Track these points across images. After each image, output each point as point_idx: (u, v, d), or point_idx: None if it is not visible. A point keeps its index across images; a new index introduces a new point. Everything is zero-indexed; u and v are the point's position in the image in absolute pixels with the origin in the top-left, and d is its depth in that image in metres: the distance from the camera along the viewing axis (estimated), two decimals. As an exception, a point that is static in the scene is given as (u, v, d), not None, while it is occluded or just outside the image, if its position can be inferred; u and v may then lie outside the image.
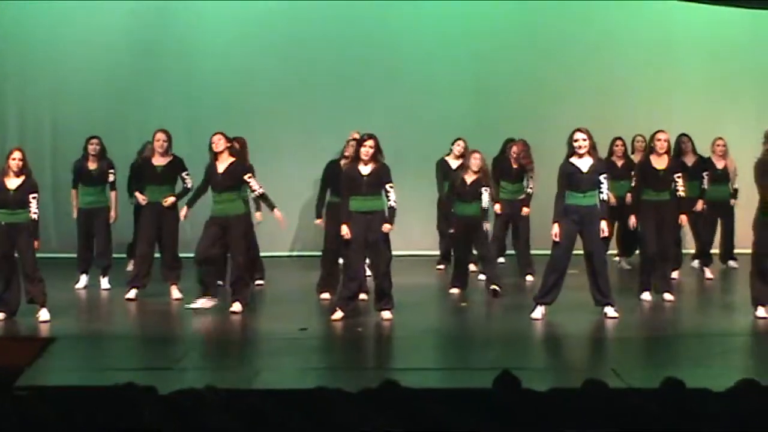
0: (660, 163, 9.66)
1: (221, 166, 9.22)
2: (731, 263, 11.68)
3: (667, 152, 9.73)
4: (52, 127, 13.02)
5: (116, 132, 12.31)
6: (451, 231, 10.38)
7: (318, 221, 10.17)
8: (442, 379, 7.03)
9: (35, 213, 8.80)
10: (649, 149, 9.81)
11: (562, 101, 12.99)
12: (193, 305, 9.16)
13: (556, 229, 8.78)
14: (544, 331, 8.67)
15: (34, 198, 8.79)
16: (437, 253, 12.08)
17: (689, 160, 10.93)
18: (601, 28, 13.27)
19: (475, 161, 10.02)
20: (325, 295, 9.85)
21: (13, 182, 8.78)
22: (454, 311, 9.66)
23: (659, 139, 9.68)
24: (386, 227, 8.81)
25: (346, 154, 9.84)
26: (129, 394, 4.86)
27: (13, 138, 12.87)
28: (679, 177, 9.67)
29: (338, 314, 8.88)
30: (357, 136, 9.91)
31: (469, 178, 10.03)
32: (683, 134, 11.05)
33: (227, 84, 13.03)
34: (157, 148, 10.01)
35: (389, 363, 7.86)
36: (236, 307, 9.13)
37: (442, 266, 11.73)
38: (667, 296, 9.65)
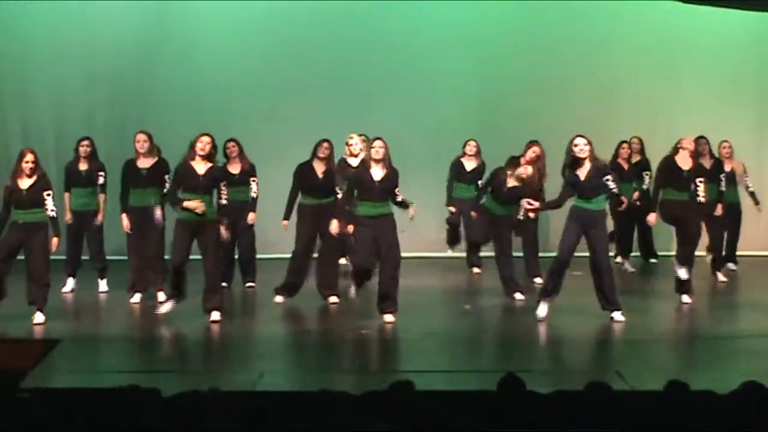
0: (685, 164, 9.66)
1: (201, 168, 8.96)
2: (730, 266, 11.66)
3: (692, 155, 9.73)
4: (54, 128, 13.02)
5: (117, 133, 12.32)
6: (452, 210, 10.76)
7: (285, 223, 9.96)
8: (445, 381, 7.02)
9: (53, 210, 8.84)
10: (675, 149, 9.77)
11: (565, 103, 12.98)
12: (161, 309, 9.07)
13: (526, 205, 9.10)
14: (548, 334, 8.67)
15: (48, 195, 8.82)
16: (440, 255, 12.07)
17: (706, 163, 10.91)
18: (604, 30, 13.25)
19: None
20: (279, 299, 9.84)
21: (25, 182, 8.82)
22: (457, 313, 9.65)
23: (686, 141, 9.75)
24: (412, 210, 8.94)
25: (320, 155, 9.75)
26: (132, 396, 4.86)
27: (15, 139, 12.89)
28: (701, 182, 9.64)
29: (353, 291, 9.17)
30: (353, 138, 9.90)
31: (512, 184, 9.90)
32: (701, 137, 10.95)
33: (228, 86, 13.02)
34: (138, 149, 9.95)
35: (393, 365, 7.85)
36: (215, 315, 8.93)
37: (478, 270, 11.61)
38: (685, 298, 9.66)
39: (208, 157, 8.99)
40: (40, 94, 13.08)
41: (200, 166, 8.95)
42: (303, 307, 9.66)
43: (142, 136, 10.01)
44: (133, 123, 12.31)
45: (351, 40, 13.08)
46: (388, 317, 8.88)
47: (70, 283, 10.55)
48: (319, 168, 9.77)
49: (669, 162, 9.78)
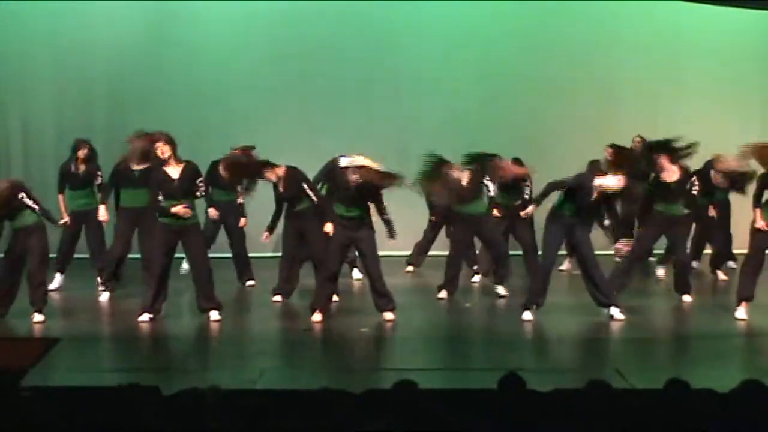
0: (670, 176, 9.58)
1: (174, 172, 8.82)
2: (730, 264, 11.65)
3: (679, 165, 9.60)
4: (55, 126, 13.02)
5: (118, 132, 12.29)
6: (432, 218, 10.93)
7: (266, 234, 9.91)
8: (445, 380, 7.03)
9: (35, 205, 8.80)
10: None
11: (566, 103, 12.96)
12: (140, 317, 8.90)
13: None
14: (548, 332, 8.67)
15: (23, 197, 8.76)
16: (440, 253, 12.05)
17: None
18: (606, 29, 13.22)
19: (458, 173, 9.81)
20: (277, 297, 9.87)
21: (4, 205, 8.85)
22: (457, 312, 9.65)
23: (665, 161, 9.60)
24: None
25: (271, 179, 9.68)
26: (132, 394, 4.86)
27: (16, 139, 12.90)
28: (696, 190, 9.63)
29: (317, 316, 8.87)
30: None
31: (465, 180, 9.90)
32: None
33: (230, 86, 12.99)
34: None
35: (393, 364, 7.84)
36: (215, 315, 8.95)
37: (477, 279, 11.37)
38: (685, 297, 9.71)
39: (179, 159, 8.85)
40: (41, 93, 13.06)
41: (173, 170, 8.83)
42: (303, 306, 9.64)
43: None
44: (134, 122, 12.31)
45: (351, 39, 13.06)
46: (388, 315, 8.88)
47: (58, 279, 10.55)
48: (280, 185, 9.73)
49: (654, 181, 9.69)
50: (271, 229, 9.84)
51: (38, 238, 8.86)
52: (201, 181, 8.99)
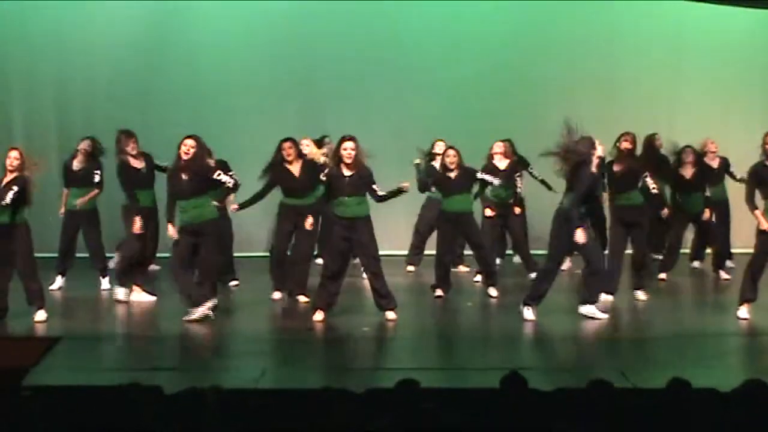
0: (618, 165, 9.74)
1: (184, 173, 8.83)
2: (729, 263, 11.64)
3: (626, 154, 9.76)
4: (57, 127, 13.03)
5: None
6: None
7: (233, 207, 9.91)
8: (447, 379, 7.02)
9: (5, 201, 8.57)
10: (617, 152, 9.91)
11: (567, 103, 12.92)
12: (192, 316, 8.85)
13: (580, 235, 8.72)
14: (549, 332, 8.65)
15: (11, 190, 8.59)
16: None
17: (714, 163, 11.22)
18: (607, 29, 13.23)
19: (450, 158, 9.85)
20: (277, 295, 9.90)
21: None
22: (458, 311, 9.65)
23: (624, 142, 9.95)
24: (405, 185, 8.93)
25: (287, 158, 9.66)
26: (134, 393, 4.86)
27: (18, 139, 12.87)
28: (647, 176, 9.70)
29: (319, 315, 8.86)
30: (307, 142, 9.94)
31: (452, 174, 9.85)
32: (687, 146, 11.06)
33: (230, 86, 13.00)
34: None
35: (395, 363, 7.83)
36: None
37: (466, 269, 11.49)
38: (639, 294, 9.73)
39: (193, 159, 8.81)
40: (43, 93, 13.08)
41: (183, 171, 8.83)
42: (303, 305, 9.63)
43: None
44: (135, 121, 12.31)
45: (351, 39, 13.06)
46: (390, 314, 8.87)
47: (59, 281, 10.53)
48: (295, 169, 9.72)
49: (608, 168, 9.77)
50: (243, 206, 9.76)
51: (23, 236, 8.73)
52: (219, 175, 8.93)
